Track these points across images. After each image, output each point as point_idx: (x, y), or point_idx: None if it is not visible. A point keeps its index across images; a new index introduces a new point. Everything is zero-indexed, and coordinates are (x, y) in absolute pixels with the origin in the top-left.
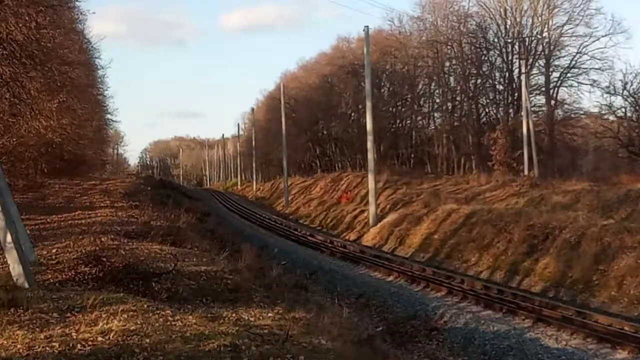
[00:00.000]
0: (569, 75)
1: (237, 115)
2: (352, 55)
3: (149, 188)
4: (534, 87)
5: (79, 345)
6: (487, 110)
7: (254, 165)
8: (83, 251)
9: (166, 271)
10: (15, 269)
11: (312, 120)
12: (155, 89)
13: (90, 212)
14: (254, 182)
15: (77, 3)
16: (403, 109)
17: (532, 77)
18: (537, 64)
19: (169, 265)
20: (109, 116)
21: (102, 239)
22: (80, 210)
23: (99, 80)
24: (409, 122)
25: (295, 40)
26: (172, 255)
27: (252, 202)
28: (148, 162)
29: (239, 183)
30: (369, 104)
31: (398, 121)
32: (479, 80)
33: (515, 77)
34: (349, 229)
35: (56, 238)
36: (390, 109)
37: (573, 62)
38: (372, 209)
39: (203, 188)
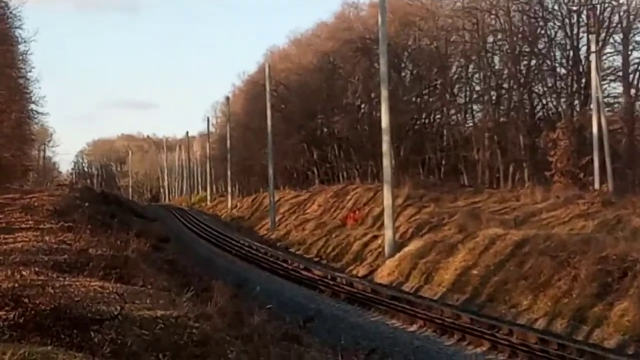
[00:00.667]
0: None
1: (207, 107)
2: (363, 26)
3: (87, 204)
4: (608, 71)
5: None
6: (544, 101)
7: (229, 173)
8: None
9: (110, 317)
10: None
11: (308, 113)
12: (97, 71)
13: (6, 237)
14: (229, 197)
15: None
16: (431, 99)
17: (605, 57)
18: (611, 40)
19: (113, 308)
20: (33, 106)
21: (23, 273)
22: None
23: (20, 58)
24: (438, 116)
25: (286, 4)
26: (117, 295)
27: (227, 223)
28: (86, 169)
29: (208, 198)
30: (384, 93)
31: (424, 116)
32: (533, 61)
33: (582, 57)
34: (357, 260)
35: None
36: (414, 99)
37: None
38: (388, 233)
39: (160, 204)
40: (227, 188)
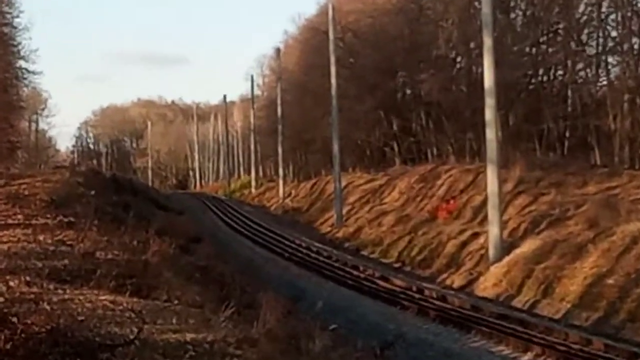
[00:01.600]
0: None
1: (250, 62)
2: None
3: (93, 192)
4: None
5: None
6: None
7: (280, 150)
8: None
9: (124, 342)
10: None
11: (386, 70)
12: (106, 16)
13: None
14: (281, 182)
15: None
16: (551, 50)
17: None
18: None
19: (128, 330)
20: (21, 63)
21: (11, 283)
22: None
23: (5, 0)
24: (560, 73)
25: None
26: (134, 314)
27: (278, 217)
28: (91, 146)
29: (253, 183)
30: (488, 41)
31: (541, 72)
32: None
33: None
34: (451, 266)
35: None
36: (528, 49)
37: None
38: (493, 230)
39: (189, 192)
40: (277, 170)
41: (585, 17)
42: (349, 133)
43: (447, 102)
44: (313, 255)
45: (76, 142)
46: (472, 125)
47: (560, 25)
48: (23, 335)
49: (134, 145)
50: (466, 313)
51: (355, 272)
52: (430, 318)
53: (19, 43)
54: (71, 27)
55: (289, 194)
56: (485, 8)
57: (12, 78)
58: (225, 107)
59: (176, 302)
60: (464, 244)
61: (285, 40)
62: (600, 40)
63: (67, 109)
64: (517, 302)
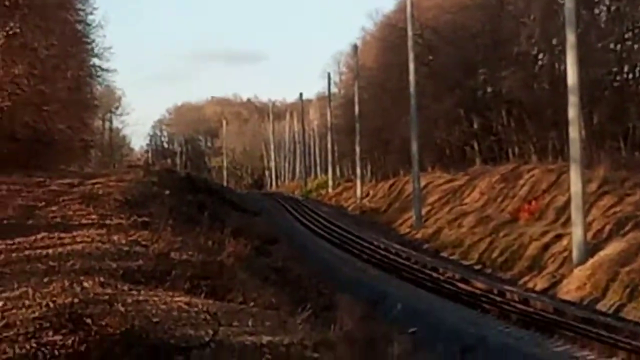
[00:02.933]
0: None
1: (327, 59)
2: None
3: (168, 192)
4: None
5: None
6: None
7: (357, 150)
8: (51, 305)
9: (199, 344)
10: None
11: (466, 67)
12: (181, 13)
13: (63, 235)
14: (359, 182)
15: None
16: (636, 46)
17: None
18: None
19: (203, 332)
20: (95, 61)
21: (85, 284)
22: (45, 232)
23: None
24: None
25: None
26: (209, 315)
27: (355, 217)
28: (165, 145)
29: (330, 183)
30: (571, 38)
31: (627, 69)
32: None
33: None
34: (533, 269)
35: (3, 282)
36: (613, 45)
37: None
38: (577, 232)
39: (265, 192)
40: (355, 170)
41: None
42: (427, 132)
43: (528, 100)
44: (391, 256)
45: (150, 140)
46: (555, 123)
47: None
48: (97, 336)
49: (209, 144)
50: (549, 317)
51: (434, 274)
52: (512, 321)
53: (93, 40)
54: (147, 25)
55: (367, 194)
56: (569, 3)
57: (86, 76)
58: (302, 105)
59: (252, 304)
60: (547, 246)
61: (363, 36)
62: None
63: (142, 107)
64: (601, 306)
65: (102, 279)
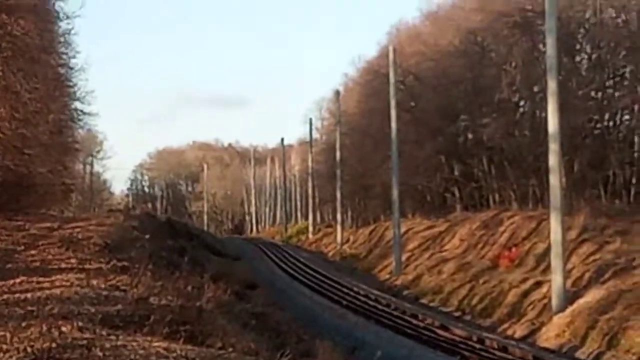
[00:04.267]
0: None
1: (309, 105)
2: None
3: (148, 236)
4: None
5: None
6: None
7: (338, 195)
8: (29, 350)
9: None
10: None
11: (447, 114)
12: (162, 58)
13: (42, 279)
14: (339, 228)
15: None
16: (616, 94)
17: None
18: None
19: None
20: (77, 105)
21: (63, 329)
22: (24, 276)
23: (62, 40)
24: (627, 118)
25: None
26: None
27: (336, 263)
28: (146, 189)
29: (310, 229)
30: (552, 85)
31: (607, 116)
32: None
33: None
34: (513, 316)
35: None
36: (594, 93)
37: None
38: (557, 279)
39: (245, 237)
40: (335, 215)
41: None
42: (408, 178)
43: (509, 147)
44: (371, 303)
45: (131, 185)
46: (535, 171)
47: (627, 69)
48: None
49: (190, 188)
50: None
51: (414, 321)
52: None
53: (75, 84)
54: (129, 69)
55: (347, 240)
56: (550, 51)
57: (68, 119)
58: (283, 150)
59: (231, 349)
60: (526, 293)
61: (345, 82)
62: None
63: (124, 151)
64: (580, 354)
65: (80, 324)
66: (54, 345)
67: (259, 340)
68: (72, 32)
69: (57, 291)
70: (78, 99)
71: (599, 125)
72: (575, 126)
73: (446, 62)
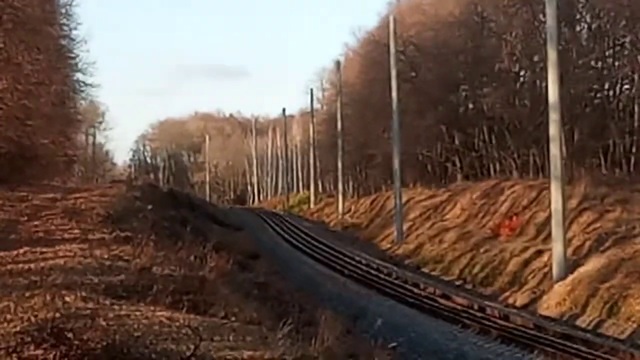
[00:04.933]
0: None
1: (310, 76)
2: None
3: (150, 207)
4: None
5: None
6: None
7: (340, 165)
8: (32, 320)
9: (180, 359)
10: None
11: (448, 84)
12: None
13: (45, 250)
14: (340, 198)
15: None
16: (616, 63)
17: None
18: None
19: (185, 347)
20: (79, 76)
21: (67, 299)
22: (27, 246)
23: (63, 12)
24: (627, 87)
25: None
26: (190, 330)
27: (337, 233)
28: (148, 160)
29: (312, 198)
30: (552, 55)
31: (607, 86)
32: None
33: None
34: (514, 285)
35: None
36: (594, 63)
37: None
38: (557, 248)
39: (247, 207)
40: (337, 185)
41: None
42: (410, 148)
43: (510, 116)
44: (373, 272)
45: (133, 155)
46: (536, 140)
47: (627, 39)
48: (79, 351)
49: (192, 159)
50: (529, 332)
51: (415, 290)
52: (492, 337)
53: (77, 55)
54: (131, 40)
55: (349, 210)
56: (550, 21)
57: (70, 91)
58: (285, 120)
59: (233, 319)
60: (527, 262)
61: (346, 53)
62: None
63: (126, 122)
64: (581, 322)
65: (83, 294)
66: (57, 315)
67: (261, 310)
68: (74, 3)
69: (61, 261)
70: (80, 71)
71: (599, 95)
72: (575, 96)
73: (446, 33)
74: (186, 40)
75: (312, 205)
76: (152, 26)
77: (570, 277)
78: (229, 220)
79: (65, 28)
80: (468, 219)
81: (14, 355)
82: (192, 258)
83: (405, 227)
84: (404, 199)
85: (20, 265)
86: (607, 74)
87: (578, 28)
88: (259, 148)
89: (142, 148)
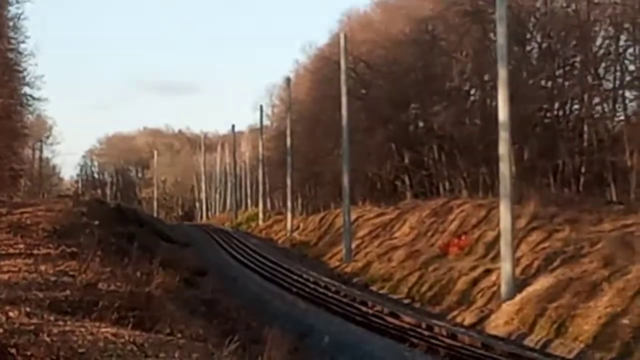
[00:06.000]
0: None
1: (259, 92)
2: None
3: (97, 222)
4: None
5: None
6: None
7: (289, 182)
8: None
9: None
10: None
11: (398, 102)
12: (113, 42)
13: None
14: (289, 215)
15: None
16: (567, 83)
17: None
18: None
19: None
20: (26, 89)
21: (10, 314)
22: None
23: (11, 25)
24: (577, 107)
25: None
26: (135, 347)
27: (286, 250)
28: (96, 175)
29: (260, 215)
30: (502, 74)
31: (557, 106)
32: None
33: None
34: (462, 303)
35: None
36: (544, 82)
37: None
38: (506, 267)
39: (195, 223)
40: (286, 203)
41: (602, 51)
42: (359, 166)
43: (460, 135)
44: (321, 290)
45: (80, 170)
46: (486, 159)
47: (577, 59)
48: None
49: (140, 175)
50: (477, 351)
51: (363, 308)
52: (440, 356)
53: (24, 69)
54: (80, 54)
55: (297, 227)
56: (501, 40)
57: (17, 104)
58: (234, 137)
59: (179, 335)
60: (476, 281)
61: (296, 69)
62: (618, 74)
63: (73, 137)
64: (529, 341)
65: (28, 309)
66: (1, 330)
67: (208, 327)
68: (22, 16)
69: (5, 277)
70: (27, 84)
71: (549, 114)
72: (525, 115)
73: (397, 50)
74: (135, 55)
75: (260, 222)
76: (101, 40)
77: (519, 297)
78: (176, 236)
79: (13, 41)
80: (417, 237)
81: None
82: (138, 274)
83: (354, 245)
84: (353, 216)
85: None
86: (557, 93)
87: (529, 47)
88: (208, 164)
89: (89, 163)
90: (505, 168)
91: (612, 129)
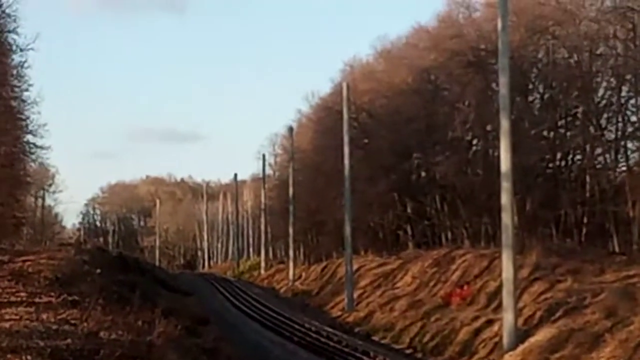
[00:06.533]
0: None
1: (262, 141)
2: (476, 31)
3: (99, 271)
4: None
5: None
6: None
7: (291, 231)
8: None
9: None
10: None
11: (400, 151)
12: (116, 91)
13: None
14: (291, 264)
15: None
16: (569, 134)
17: None
18: None
19: None
20: (29, 138)
21: None
22: None
23: (14, 72)
24: (579, 157)
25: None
26: None
27: (288, 300)
28: (98, 223)
29: (262, 264)
30: (505, 124)
31: (559, 156)
32: None
33: None
34: (465, 353)
35: None
36: (546, 133)
37: None
38: (508, 318)
39: (197, 272)
40: (288, 252)
41: (604, 102)
42: (361, 215)
43: (462, 185)
44: (323, 339)
45: (83, 219)
46: (488, 209)
47: (579, 109)
48: None
49: (142, 223)
50: None
51: (365, 358)
52: None
53: (28, 117)
54: (83, 104)
55: (299, 277)
56: (503, 90)
57: (19, 153)
58: (236, 186)
59: None
60: (478, 331)
61: (299, 119)
62: (620, 125)
63: (75, 185)
64: None
65: (29, 358)
66: None
67: None
68: (26, 65)
69: (6, 325)
70: (30, 132)
71: (551, 165)
72: (527, 165)
73: (399, 100)
74: (138, 103)
75: (262, 272)
76: (104, 89)
77: (521, 347)
78: (178, 285)
79: (17, 89)
80: (419, 287)
81: None
82: (140, 323)
83: (356, 294)
84: (355, 266)
85: None
86: (559, 144)
87: (531, 98)
88: (210, 213)
89: (91, 211)
90: (507, 218)
91: (614, 179)
